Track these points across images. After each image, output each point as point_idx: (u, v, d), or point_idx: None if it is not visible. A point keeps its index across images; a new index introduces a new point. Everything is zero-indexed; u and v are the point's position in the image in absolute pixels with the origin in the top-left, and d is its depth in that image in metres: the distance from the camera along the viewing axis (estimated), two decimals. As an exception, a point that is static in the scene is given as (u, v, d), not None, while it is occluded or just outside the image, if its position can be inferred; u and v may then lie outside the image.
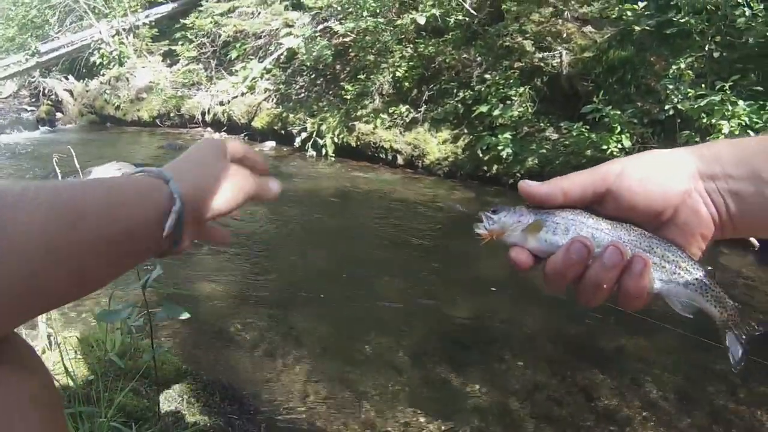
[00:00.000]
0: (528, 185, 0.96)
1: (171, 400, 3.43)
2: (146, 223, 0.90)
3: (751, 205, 0.89)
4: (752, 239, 6.99)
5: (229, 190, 1.02)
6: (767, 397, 4.05)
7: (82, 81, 18.09)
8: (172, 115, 15.55)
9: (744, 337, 0.93)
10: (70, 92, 17.91)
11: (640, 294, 0.90)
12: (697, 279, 0.92)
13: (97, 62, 17.59)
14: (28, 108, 18.73)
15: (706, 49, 7.97)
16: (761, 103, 6.76)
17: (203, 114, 14.93)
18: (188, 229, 0.97)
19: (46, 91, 18.13)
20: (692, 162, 0.91)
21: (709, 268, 0.93)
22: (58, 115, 17.33)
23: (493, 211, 0.99)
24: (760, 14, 7.23)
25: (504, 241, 0.97)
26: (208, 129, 14.91)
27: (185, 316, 2.54)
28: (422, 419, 3.80)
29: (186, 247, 1.01)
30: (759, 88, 7.16)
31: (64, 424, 0.85)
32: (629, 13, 8.88)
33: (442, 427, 3.75)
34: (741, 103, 6.80)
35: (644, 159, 0.94)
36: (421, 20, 11.10)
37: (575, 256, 0.90)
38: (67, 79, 18.27)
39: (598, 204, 0.95)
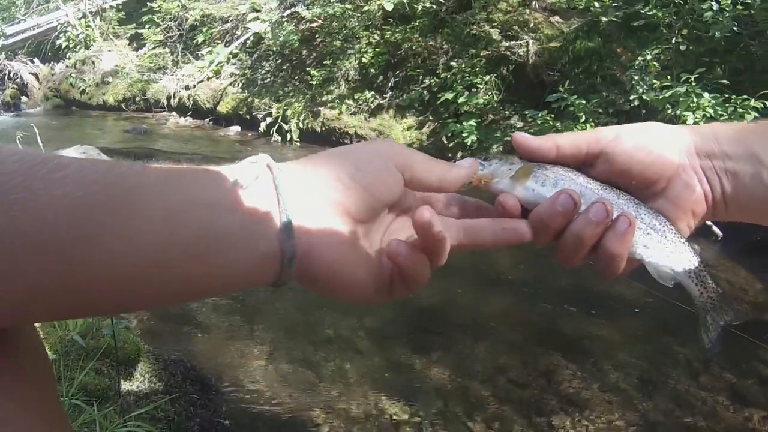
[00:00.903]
0: (521, 136, 0.93)
1: (132, 379, 3.42)
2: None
3: (746, 186, 0.87)
4: (715, 228, 7.03)
5: (377, 165, 0.77)
6: (728, 381, 4.07)
7: (47, 64, 17.82)
8: (137, 99, 15.39)
9: (720, 323, 0.90)
10: (36, 76, 17.65)
11: (620, 254, 0.86)
12: (681, 252, 0.89)
13: (63, 45, 17.32)
14: (-7, 91, 18.50)
15: (673, 41, 7.98)
16: (726, 96, 6.78)
17: (168, 98, 14.81)
18: (310, 211, 0.71)
19: (11, 75, 17.81)
20: (689, 137, 0.89)
21: (696, 246, 0.91)
22: (23, 99, 17.06)
23: (485, 158, 0.95)
24: (727, 9, 7.26)
25: (491, 188, 0.93)
26: (173, 113, 14.80)
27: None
28: (385, 401, 3.80)
29: (337, 251, 0.73)
30: (724, 81, 7.18)
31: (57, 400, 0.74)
32: (597, 4, 8.89)
33: (405, 409, 3.75)
34: (706, 95, 6.84)
35: (641, 128, 0.91)
36: (389, 6, 11.09)
37: (561, 207, 0.85)
38: (32, 62, 17.99)
39: (590, 166, 0.92)
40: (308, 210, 0.70)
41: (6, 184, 0.54)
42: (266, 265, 0.69)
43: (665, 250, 0.89)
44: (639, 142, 0.88)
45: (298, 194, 0.70)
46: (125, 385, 3.28)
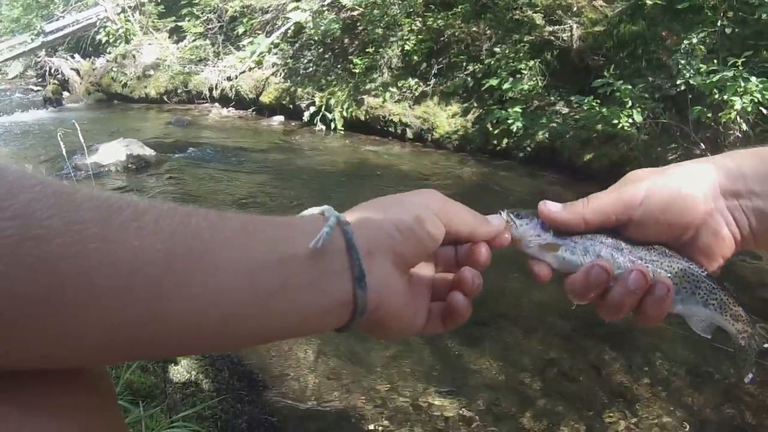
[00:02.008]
0: (548, 209, 0.92)
1: (179, 376, 3.40)
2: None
3: None
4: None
5: (425, 214, 0.82)
6: None
7: (88, 59, 18.03)
8: (179, 91, 15.52)
9: (756, 349, 0.93)
10: (77, 71, 17.87)
11: (660, 316, 0.89)
12: (716, 299, 0.91)
13: (103, 40, 17.52)
14: (35, 88, 18.73)
15: (718, 24, 7.83)
16: None
17: (210, 90, 14.91)
18: (377, 263, 0.76)
19: (52, 71, 18.07)
20: (714, 176, 0.87)
21: (727, 285, 0.92)
22: (65, 94, 17.28)
23: (517, 215, 0.94)
24: (773, -10, 7.15)
25: (522, 249, 0.95)
26: (216, 105, 14.89)
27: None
28: (434, 395, 3.78)
29: (398, 298, 0.80)
30: None
31: None
32: (641, -13, 8.77)
33: (454, 403, 3.72)
34: (753, 79, 6.71)
35: (665, 180, 0.89)
36: (430, -7, 10.99)
37: (594, 279, 0.87)
38: (73, 57, 18.22)
39: (622, 228, 0.92)
40: (375, 262, 0.75)
41: (83, 232, 0.54)
42: (337, 314, 0.74)
43: (701, 300, 0.90)
44: (665, 202, 0.87)
45: (365, 247, 0.74)
46: (171, 383, 3.28)
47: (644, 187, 0.89)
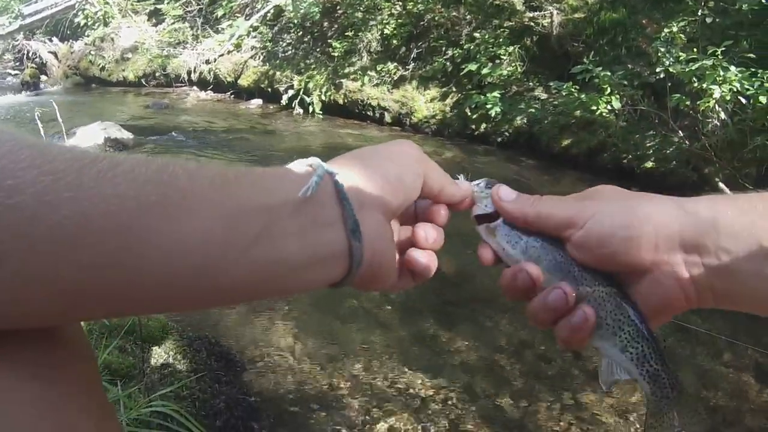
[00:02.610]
0: (498, 194, 0.87)
1: (157, 357, 3.39)
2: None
3: (744, 284, 0.74)
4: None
5: (409, 166, 0.80)
6: (753, 359, 4.04)
7: (66, 42, 17.88)
8: (157, 74, 15.43)
9: (671, 421, 0.83)
10: (55, 54, 17.71)
11: (575, 343, 0.82)
12: (637, 348, 0.81)
13: (82, 23, 17.35)
14: (12, 72, 18.48)
15: (699, 14, 7.85)
16: (753, 70, 6.64)
17: (189, 73, 14.85)
18: (369, 214, 0.74)
19: (30, 54, 17.88)
20: (677, 229, 0.76)
21: (659, 340, 0.83)
22: (43, 77, 17.12)
23: (480, 182, 0.91)
24: (755, -20, 7.16)
25: (473, 212, 0.91)
26: (194, 88, 14.83)
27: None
28: (410, 375, 3.77)
29: (390, 250, 0.79)
30: (751, 55, 7.01)
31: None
32: (622, -25, 8.79)
33: (431, 384, 3.71)
34: (733, 68, 6.68)
35: (623, 209, 0.80)
36: (411, -23, 10.99)
37: (520, 283, 0.82)
38: (51, 41, 18.05)
39: (565, 239, 0.84)
40: (367, 213, 0.73)
41: (57, 182, 0.53)
42: (332, 266, 0.71)
43: (620, 344, 0.82)
44: (606, 235, 0.79)
45: (357, 197, 0.72)
46: (149, 364, 3.27)
47: (592, 211, 0.81)
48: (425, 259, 0.83)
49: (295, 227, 0.66)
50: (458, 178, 0.89)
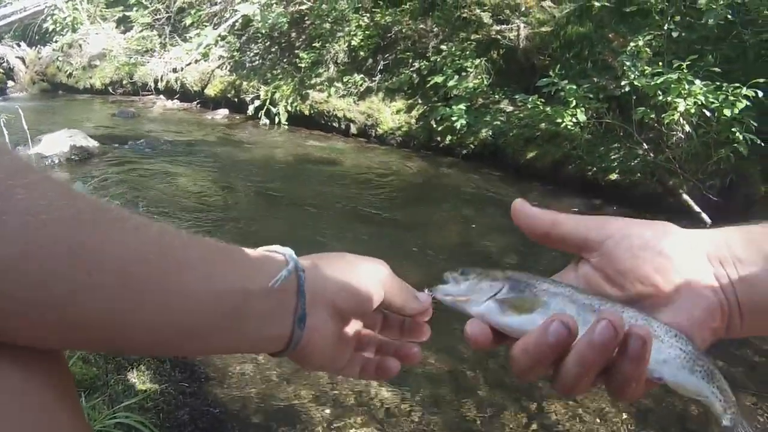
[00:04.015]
0: (521, 204, 0.87)
1: (121, 368, 3.42)
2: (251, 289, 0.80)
3: (760, 292, 0.76)
4: (704, 215, 7.00)
5: (370, 281, 0.90)
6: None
7: (34, 48, 17.66)
8: (124, 82, 15.28)
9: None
10: (22, 59, 17.48)
11: (638, 379, 0.73)
12: (702, 366, 0.76)
13: (50, 29, 17.15)
14: (-21, 77, 18.31)
15: (665, 28, 7.93)
16: (718, 83, 6.76)
17: (156, 81, 14.71)
18: (317, 310, 0.85)
19: (-3, 59, 17.71)
20: (703, 242, 0.79)
21: (715, 361, 0.79)
22: (10, 83, 16.85)
23: (462, 272, 0.86)
24: (721, -4, 7.23)
25: (466, 309, 0.85)
26: (161, 97, 14.71)
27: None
28: (374, 387, 3.77)
29: (326, 342, 0.88)
30: (716, 69, 7.12)
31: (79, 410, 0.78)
32: (589, -11, 8.85)
33: (395, 394, 3.71)
34: (698, 82, 6.82)
35: (654, 225, 0.80)
36: (379, -11, 11.00)
37: (553, 338, 0.72)
38: (19, 46, 17.83)
39: (585, 260, 0.83)
40: (316, 309, 0.84)
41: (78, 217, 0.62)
42: (276, 343, 0.83)
43: (686, 365, 0.76)
44: (648, 240, 0.78)
45: (313, 294, 0.84)
46: (113, 375, 3.26)
47: (617, 226, 0.81)
48: (396, 366, 0.98)
49: (262, 310, 0.79)
50: (425, 291, 0.94)
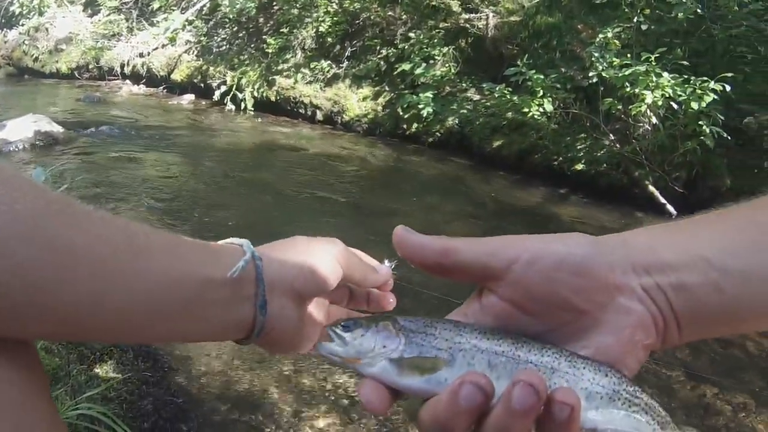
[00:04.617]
0: (403, 231, 0.74)
1: (83, 358, 3.39)
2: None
3: (698, 299, 0.67)
4: (669, 206, 6.99)
5: (325, 260, 0.91)
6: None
7: (0, 31, 17.47)
8: (91, 67, 15.17)
9: None
10: (-13, 43, 17.33)
11: None
12: (638, 401, 0.67)
13: (17, 12, 16.98)
14: (-56, 62, 18.08)
15: (635, 20, 7.98)
16: (686, 77, 6.83)
17: (122, 66, 14.64)
18: (277, 296, 0.87)
19: (-37, 44, 17.50)
20: (621, 249, 0.69)
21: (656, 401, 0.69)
22: (-25, 67, 16.72)
23: (344, 326, 0.72)
24: (691, -10, 7.27)
25: (358, 370, 0.70)
26: (127, 81, 14.63)
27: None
28: (339, 375, 3.78)
29: (290, 326, 0.90)
30: (684, 62, 7.24)
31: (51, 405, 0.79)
32: (559, -20, 8.88)
33: (359, 383, 3.64)
34: (666, 74, 6.88)
35: (559, 239, 0.70)
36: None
37: (466, 404, 0.61)
38: (-16, 29, 17.67)
39: (491, 290, 0.70)
40: (275, 294, 0.86)
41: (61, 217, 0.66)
42: (240, 330, 0.86)
43: (621, 410, 0.66)
44: (562, 259, 0.67)
45: (271, 281, 0.85)
46: (76, 365, 3.22)
47: (529, 238, 0.70)
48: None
49: (222, 298, 0.81)
50: (385, 263, 0.99)
